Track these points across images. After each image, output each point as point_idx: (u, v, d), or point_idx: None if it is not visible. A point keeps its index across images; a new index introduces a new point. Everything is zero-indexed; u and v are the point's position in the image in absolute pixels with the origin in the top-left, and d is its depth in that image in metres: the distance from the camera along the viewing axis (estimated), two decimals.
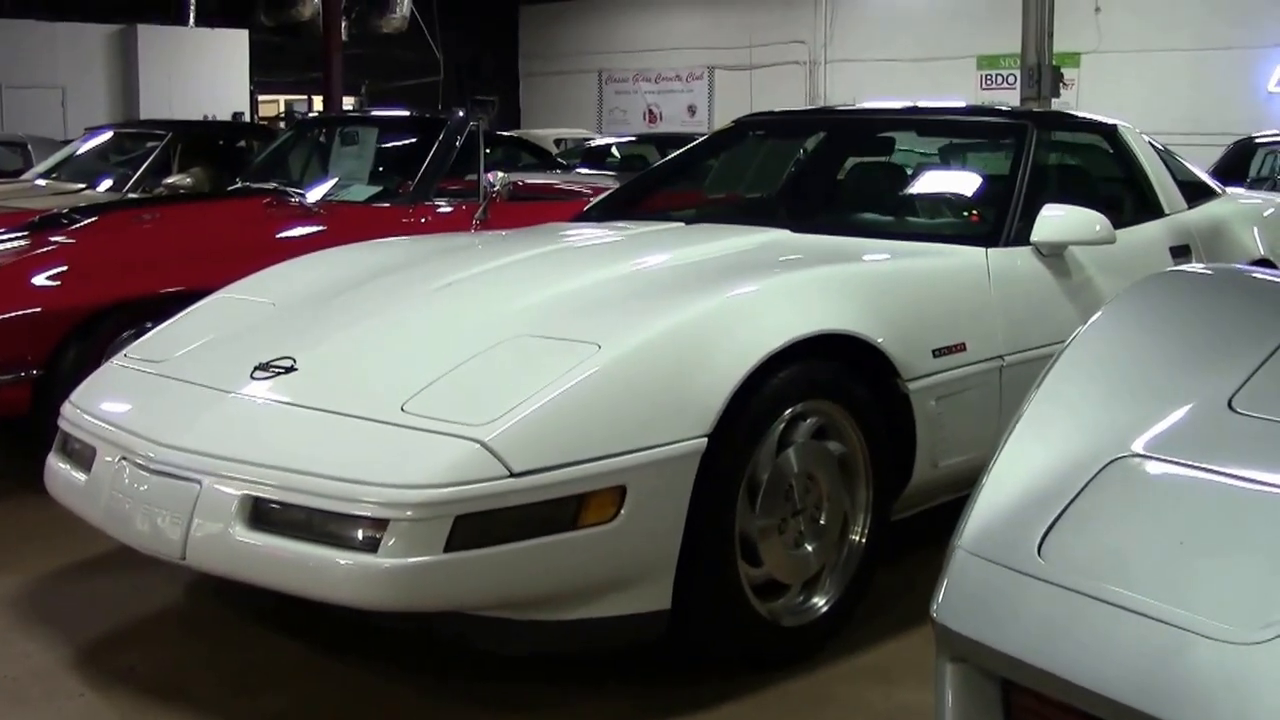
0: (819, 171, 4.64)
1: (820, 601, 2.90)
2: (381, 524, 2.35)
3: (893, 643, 2.98)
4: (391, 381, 2.66)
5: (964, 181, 4.32)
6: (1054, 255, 3.55)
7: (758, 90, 20.07)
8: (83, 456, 2.92)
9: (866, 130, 4.55)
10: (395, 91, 19.44)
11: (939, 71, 18.11)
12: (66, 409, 3.09)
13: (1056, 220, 3.50)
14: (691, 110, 21.76)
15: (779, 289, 2.94)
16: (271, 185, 5.30)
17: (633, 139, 12.72)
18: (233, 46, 18.12)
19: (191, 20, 18.30)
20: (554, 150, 11.69)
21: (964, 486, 3.40)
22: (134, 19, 17.32)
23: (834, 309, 2.92)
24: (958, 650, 1.58)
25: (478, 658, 2.79)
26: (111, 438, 2.83)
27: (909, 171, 4.44)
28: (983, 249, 3.44)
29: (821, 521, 2.90)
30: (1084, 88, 16.93)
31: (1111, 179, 4.36)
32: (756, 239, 3.51)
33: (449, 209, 5.23)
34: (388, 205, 5.16)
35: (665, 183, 4.76)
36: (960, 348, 3.17)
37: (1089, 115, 4.34)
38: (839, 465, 2.93)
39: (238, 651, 2.95)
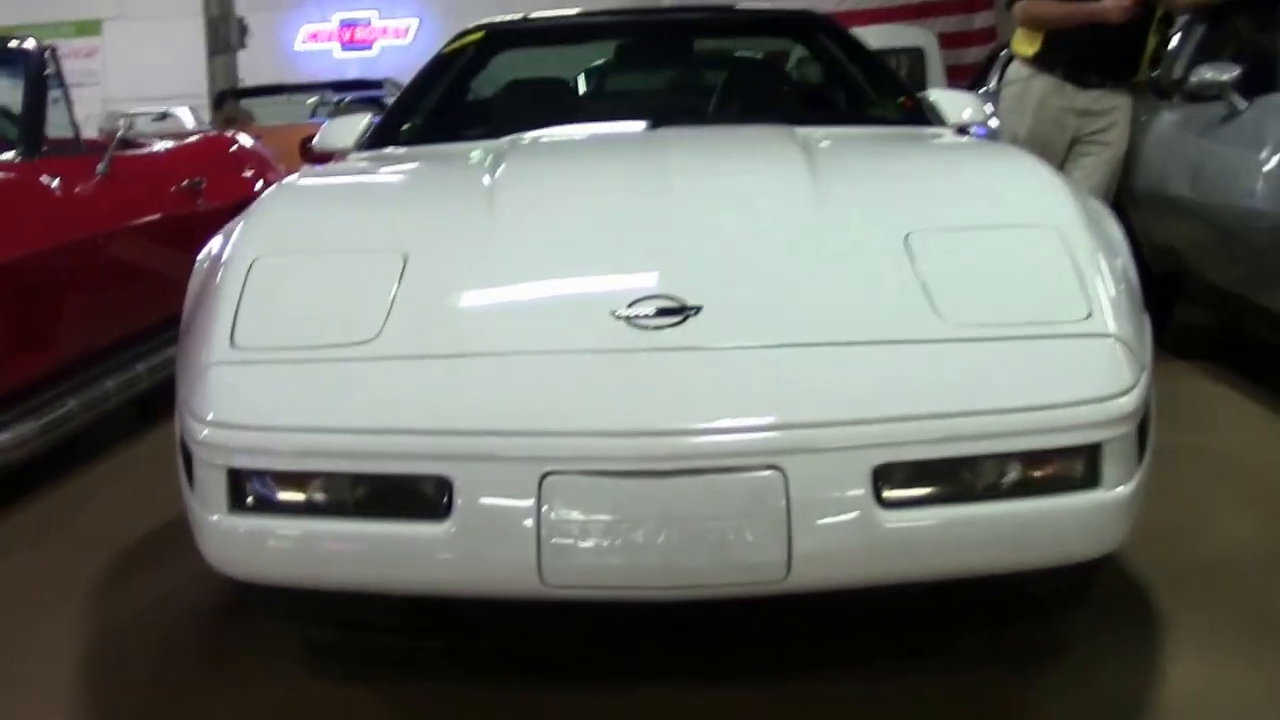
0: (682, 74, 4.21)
1: None
2: (1092, 451, 1.90)
3: None
4: (850, 301, 2.03)
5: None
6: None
7: None
8: (379, 498, 1.82)
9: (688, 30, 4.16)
10: None
11: None
12: (260, 438, 1.83)
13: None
14: None
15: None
16: None
17: None
18: None
19: None
20: None
21: None
22: None
23: None
24: None
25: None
26: (488, 450, 1.79)
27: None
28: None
29: None
30: (109, 56, 16.73)
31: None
32: (776, 136, 2.97)
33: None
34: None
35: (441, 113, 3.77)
36: None
37: None
38: None
39: None
